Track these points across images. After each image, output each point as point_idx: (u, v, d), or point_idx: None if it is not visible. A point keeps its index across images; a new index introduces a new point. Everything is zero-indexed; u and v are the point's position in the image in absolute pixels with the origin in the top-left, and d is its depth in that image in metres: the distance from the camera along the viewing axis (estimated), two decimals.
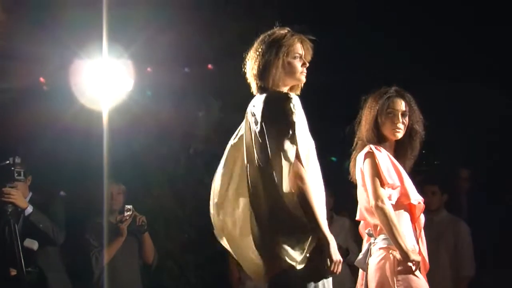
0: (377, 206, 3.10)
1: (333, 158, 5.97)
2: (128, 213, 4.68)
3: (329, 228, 2.67)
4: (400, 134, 3.28)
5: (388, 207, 3.09)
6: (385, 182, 3.14)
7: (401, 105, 3.28)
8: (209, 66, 5.30)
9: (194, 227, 5.71)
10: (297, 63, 2.93)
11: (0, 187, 3.83)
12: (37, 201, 4.15)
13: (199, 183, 5.66)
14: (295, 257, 2.67)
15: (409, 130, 3.30)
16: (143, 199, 5.34)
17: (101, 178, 4.62)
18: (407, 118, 3.29)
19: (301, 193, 2.70)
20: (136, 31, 4.89)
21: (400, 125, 3.26)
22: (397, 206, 3.18)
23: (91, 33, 4.80)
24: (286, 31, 2.96)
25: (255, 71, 2.92)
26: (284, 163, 2.72)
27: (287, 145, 2.74)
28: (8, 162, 3.84)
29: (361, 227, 3.41)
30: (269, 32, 2.97)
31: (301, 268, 2.67)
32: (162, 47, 4.87)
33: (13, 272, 3.79)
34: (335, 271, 2.67)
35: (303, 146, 2.77)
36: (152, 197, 5.54)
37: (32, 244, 3.88)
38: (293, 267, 2.67)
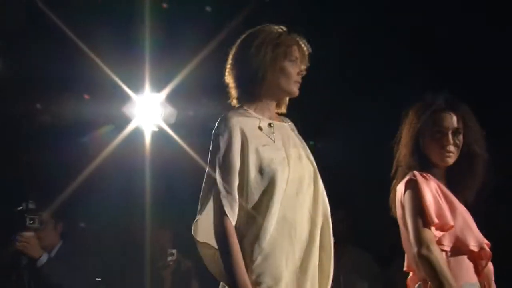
0: (420, 255, 2.33)
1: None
2: (171, 257, 4.24)
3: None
4: (451, 160, 2.51)
5: (436, 256, 2.32)
6: (430, 222, 2.37)
7: (452, 120, 2.50)
8: None
9: None
10: (293, 69, 2.31)
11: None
12: (69, 249, 3.76)
13: None
14: None
15: (466, 152, 2.52)
16: (190, 242, 4.90)
17: (143, 220, 4.25)
18: (461, 137, 2.51)
19: (216, 242, 2.16)
20: (178, 65, 4.59)
21: (451, 148, 2.49)
22: (453, 253, 2.42)
23: (134, 67, 4.53)
24: (280, 28, 2.35)
25: (242, 79, 2.28)
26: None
27: (205, 185, 2.22)
28: (21, 208, 3.46)
29: (410, 280, 2.59)
30: (256, 30, 2.34)
31: None
32: (206, 82, 4.55)
33: None
34: None
35: (233, 181, 2.16)
36: None
37: None
38: None
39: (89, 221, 4.44)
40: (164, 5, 4.55)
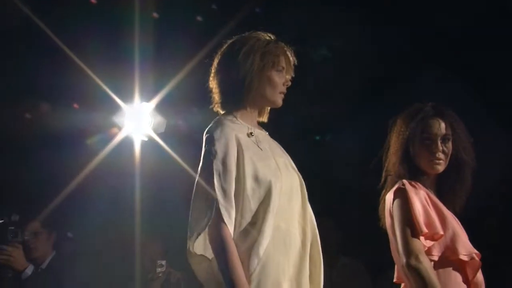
0: (409, 265, 2.27)
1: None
2: (160, 269, 4.18)
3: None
4: (441, 167, 2.47)
5: (426, 266, 2.26)
6: (419, 231, 2.31)
7: (441, 127, 2.47)
8: None
9: None
10: (279, 79, 2.27)
11: None
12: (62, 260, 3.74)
13: None
14: None
15: (454, 159, 2.49)
16: (180, 253, 4.86)
17: (133, 231, 4.21)
18: (450, 144, 2.48)
19: (213, 251, 2.09)
20: (168, 74, 4.57)
21: (440, 155, 2.45)
22: (441, 263, 2.36)
23: (123, 76, 4.51)
24: (268, 36, 2.31)
25: (227, 85, 2.24)
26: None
27: (199, 191, 2.15)
28: (2, 221, 3.40)
29: None
30: (244, 36, 2.30)
31: None
32: (196, 92, 4.52)
33: None
34: None
35: (230, 188, 2.10)
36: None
37: None
38: None
39: (78, 231, 4.40)
40: (154, 15, 4.54)
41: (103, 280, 4.06)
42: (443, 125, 2.49)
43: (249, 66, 2.22)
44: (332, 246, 4.17)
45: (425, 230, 2.33)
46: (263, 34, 2.31)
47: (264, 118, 2.39)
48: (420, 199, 2.40)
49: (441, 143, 2.47)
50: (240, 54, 2.23)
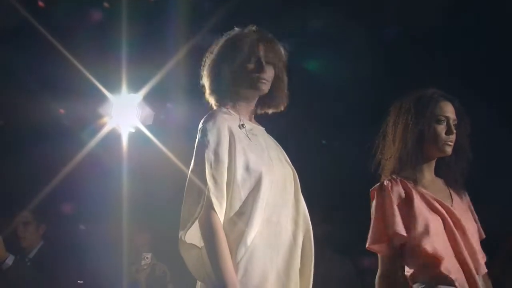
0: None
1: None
2: (145, 261, 4.13)
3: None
4: (451, 149, 2.44)
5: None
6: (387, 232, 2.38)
7: (453, 110, 2.46)
8: None
9: None
10: (251, 65, 2.27)
11: None
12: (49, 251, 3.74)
13: None
14: None
15: (458, 146, 2.46)
16: (167, 245, 4.85)
17: (120, 223, 4.18)
18: (455, 130, 2.46)
19: (203, 239, 2.11)
20: (156, 65, 4.53)
21: (452, 137, 2.43)
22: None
23: (111, 67, 4.46)
24: (252, 30, 2.32)
25: (211, 83, 2.29)
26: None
27: (192, 181, 2.15)
28: None
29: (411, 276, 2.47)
30: (225, 35, 2.35)
31: None
32: (184, 83, 4.49)
33: None
34: None
35: (221, 177, 2.12)
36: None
37: None
38: None
39: (65, 223, 4.38)
40: (142, 5, 4.49)
41: (90, 271, 4.05)
42: (453, 109, 2.47)
43: (226, 61, 2.28)
44: (319, 240, 4.15)
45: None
46: (248, 28, 2.34)
47: (263, 110, 2.40)
48: (392, 200, 2.38)
49: (453, 125, 2.45)
50: (220, 50, 2.31)
